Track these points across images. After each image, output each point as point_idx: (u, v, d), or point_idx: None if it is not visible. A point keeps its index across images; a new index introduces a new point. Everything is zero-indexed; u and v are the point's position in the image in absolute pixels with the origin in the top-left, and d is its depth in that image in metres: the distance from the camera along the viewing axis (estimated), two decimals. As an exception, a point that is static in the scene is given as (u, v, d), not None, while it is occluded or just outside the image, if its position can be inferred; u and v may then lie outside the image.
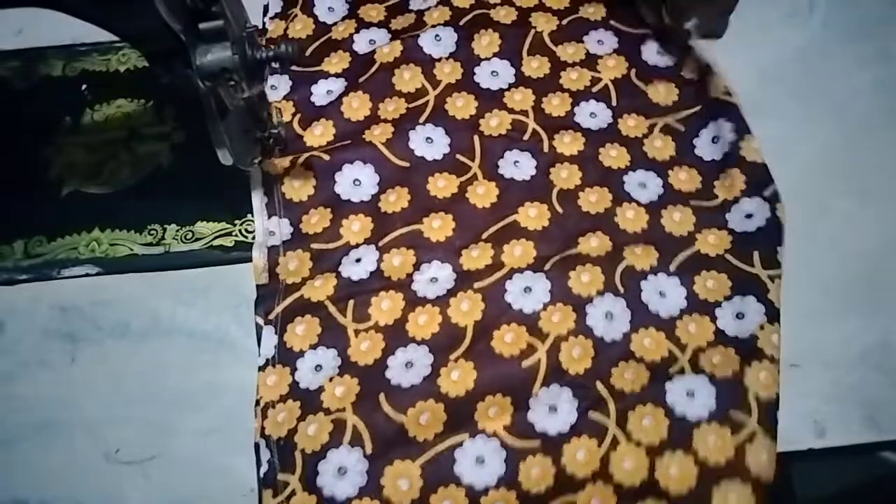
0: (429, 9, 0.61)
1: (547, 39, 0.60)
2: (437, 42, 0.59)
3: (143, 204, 0.55)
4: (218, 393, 0.49)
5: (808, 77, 0.59)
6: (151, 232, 0.54)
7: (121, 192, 0.55)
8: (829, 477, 0.51)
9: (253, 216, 0.54)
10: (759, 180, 0.52)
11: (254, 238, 0.53)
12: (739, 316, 0.48)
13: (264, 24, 0.61)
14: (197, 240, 0.53)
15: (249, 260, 0.52)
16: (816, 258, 0.51)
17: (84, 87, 0.60)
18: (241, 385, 0.48)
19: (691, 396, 0.45)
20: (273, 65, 0.46)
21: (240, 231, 0.54)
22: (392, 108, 0.57)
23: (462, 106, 0.57)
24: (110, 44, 0.61)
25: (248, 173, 0.53)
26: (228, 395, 0.48)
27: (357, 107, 0.57)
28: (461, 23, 0.60)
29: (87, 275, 0.52)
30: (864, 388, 0.48)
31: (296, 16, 0.61)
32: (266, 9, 0.62)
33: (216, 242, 0.53)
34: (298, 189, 0.54)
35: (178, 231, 0.54)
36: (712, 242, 0.51)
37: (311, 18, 0.61)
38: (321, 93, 0.58)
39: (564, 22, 0.61)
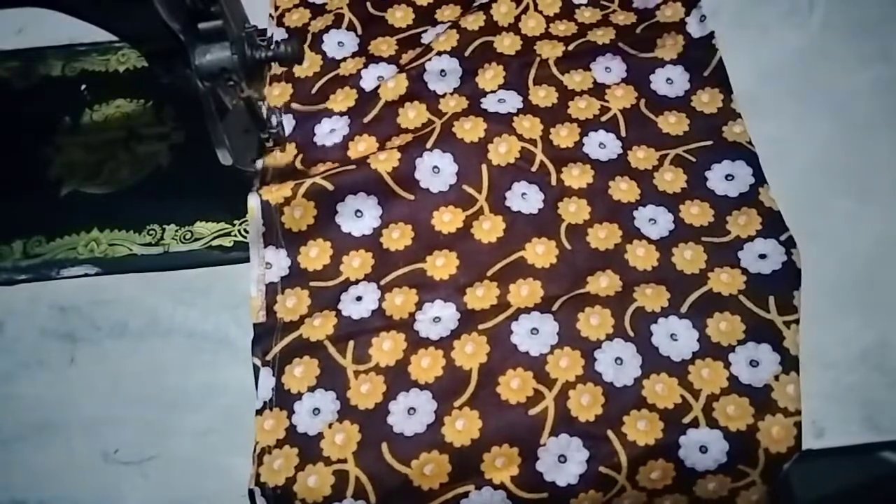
0: (437, 36, 0.60)
1: (553, 68, 0.58)
2: (442, 77, 0.57)
3: (143, 204, 0.55)
4: (217, 393, 0.49)
5: (807, 77, 0.59)
6: (150, 232, 0.54)
7: (120, 192, 0.55)
8: (829, 477, 0.51)
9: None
10: (775, 225, 0.51)
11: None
12: (753, 363, 0.47)
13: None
14: (196, 240, 0.53)
15: (248, 260, 0.52)
16: (816, 258, 0.50)
17: (83, 87, 0.60)
18: (240, 385, 0.48)
19: (704, 451, 0.45)
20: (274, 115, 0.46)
21: (239, 231, 0.54)
22: (399, 142, 0.55)
23: (470, 129, 0.54)
24: (109, 44, 0.61)
25: (248, 173, 0.53)
26: (227, 395, 0.48)
27: (363, 150, 0.55)
28: (466, 53, 0.58)
29: (86, 275, 0.52)
30: (864, 389, 0.48)
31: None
32: (269, 42, 0.60)
33: (215, 242, 0.53)
34: (298, 219, 0.52)
35: (177, 231, 0.54)
36: (725, 281, 0.49)
37: (318, 55, 0.59)
38: (324, 132, 0.56)
39: (571, 48, 0.59)
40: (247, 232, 0.53)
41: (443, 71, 0.57)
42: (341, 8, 0.62)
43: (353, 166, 0.53)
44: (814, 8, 0.62)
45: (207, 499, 0.46)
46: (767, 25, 0.62)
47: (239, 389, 0.48)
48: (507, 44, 0.59)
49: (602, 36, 0.60)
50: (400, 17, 0.62)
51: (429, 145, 0.54)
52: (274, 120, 0.52)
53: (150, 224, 0.54)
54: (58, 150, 0.57)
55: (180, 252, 0.53)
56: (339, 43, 0.60)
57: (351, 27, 0.61)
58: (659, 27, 0.60)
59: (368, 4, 0.62)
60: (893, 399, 0.48)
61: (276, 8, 0.62)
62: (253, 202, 0.52)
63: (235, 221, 0.54)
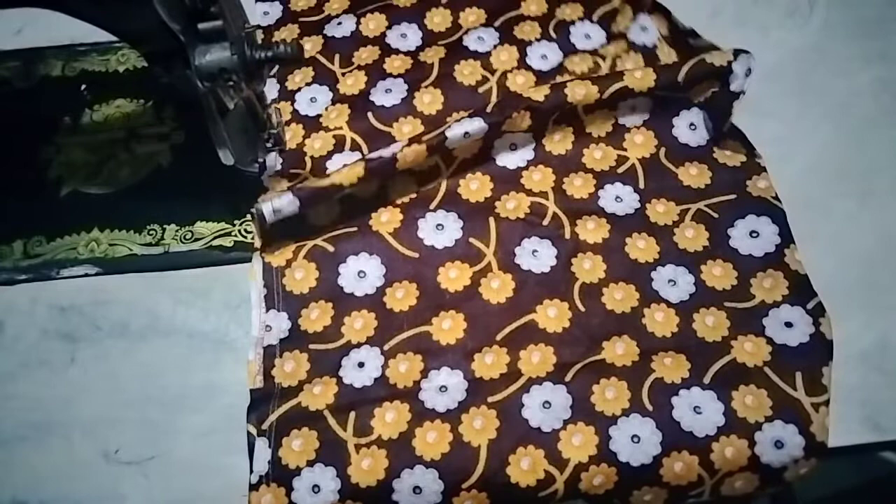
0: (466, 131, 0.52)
1: (579, 108, 0.54)
2: (465, 139, 0.52)
3: (143, 204, 0.55)
4: (217, 393, 0.49)
5: (808, 77, 0.59)
6: (151, 232, 0.54)
7: (120, 192, 0.55)
8: (829, 477, 0.51)
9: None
10: (803, 291, 0.49)
11: (253, 238, 0.53)
12: (778, 444, 0.44)
13: (262, 178, 0.53)
14: (196, 240, 0.53)
15: (249, 260, 0.52)
16: (816, 258, 0.50)
17: (83, 87, 0.60)
18: (241, 385, 0.48)
19: None
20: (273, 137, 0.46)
21: (239, 231, 0.54)
22: (402, 188, 0.53)
23: (477, 189, 0.53)
24: (109, 44, 0.61)
25: (248, 173, 0.53)
26: (228, 395, 0.48)
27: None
28: (488, 110, 0.52)
29: (87, 275, 0.52)
30: (864, 389, 0.48)
31: (305, 178, 0.53)
32: (262, 167, 0.53)
33: (215, 242, 0.53)
34: (300, 281, 0.50)
35: (177, 231, 0.54)
36: (749, 351, 0.47)
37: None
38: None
39: (605, 95, 0.53)
40: (247, 232, 0.53)
41: (466, 133, 0.52)
42: (340, 128, 0.55)
43: (354, 228, 0.52)
44: (814, 8, 0.62)
45: (207, 499, 0.46)
46: (768, 25, 0.62)
47: (240, 390, 0.48)
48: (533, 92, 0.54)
49: (641, 79, 0.53)
50: (408, 131, 0.55)
51: (432, 206, 0.52)
52: (274, 120, 0.52)
53: (151, 224, 0.54)
54: (58, 150, 0.57)
55: (180, 252, 0.53)
56: (345, 165, 0.55)
57: (355, 147, 0.55)
58: (704, 68, 0.53)
59: (370, 116, 0.56)
60: (893, 399, 0.48)
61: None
62: (256, 265, 0.51)
63: (236, 221, 0.54)
